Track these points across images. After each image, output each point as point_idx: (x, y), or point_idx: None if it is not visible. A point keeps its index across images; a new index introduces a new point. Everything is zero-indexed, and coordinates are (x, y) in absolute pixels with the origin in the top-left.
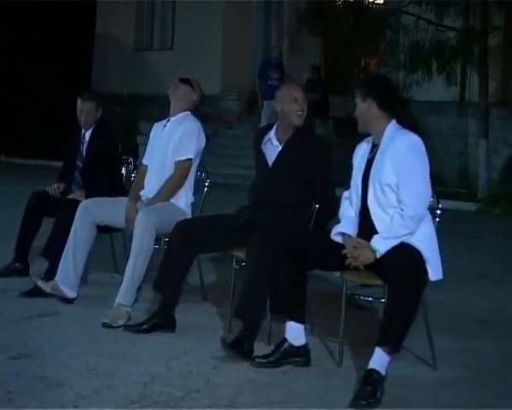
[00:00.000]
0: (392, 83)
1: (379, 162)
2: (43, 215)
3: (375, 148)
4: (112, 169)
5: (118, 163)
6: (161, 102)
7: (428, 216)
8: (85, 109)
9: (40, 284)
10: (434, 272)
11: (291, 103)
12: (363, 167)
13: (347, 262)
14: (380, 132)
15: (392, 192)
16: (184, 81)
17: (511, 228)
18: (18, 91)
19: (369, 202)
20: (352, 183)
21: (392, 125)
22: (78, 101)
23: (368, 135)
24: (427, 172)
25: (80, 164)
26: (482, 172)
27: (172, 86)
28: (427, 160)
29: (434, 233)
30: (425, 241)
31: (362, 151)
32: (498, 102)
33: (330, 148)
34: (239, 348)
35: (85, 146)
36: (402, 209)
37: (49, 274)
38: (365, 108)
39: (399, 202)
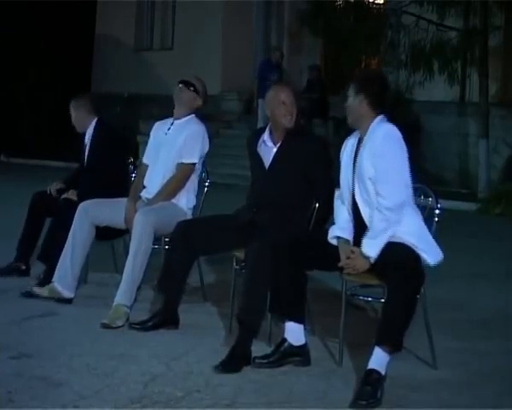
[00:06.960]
0: (387, 81)
1: (360, 156)
2: (45, 215)
3: (360, 143)
4: (104, 169)
5: (113, 164)
6: (161, 102)
7: (413, 206)
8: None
9: (36, 290)
10: (433, 256)
11: (278, 107)
12: (352, 163)
13: (345, 272)
14: (366, 128)
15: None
16: (189, 85)
17: (511, 228)
18: (18, 91)
19: (356, 198)
20: (343, 180)
21: (378, 120)
22: None
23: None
24: (404, 161)
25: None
26: (482, 172)
27: (177, 88)
28: (403, 148)
29: (422, 222)
30: (415, 233)
31: (349, 146)
32: (498, 102)
33: (329, 147)
34: (230, 365)
35: (87, 146)
36: (379, 202)
37: (48, 276)
38: (356, 104)
39: (377, 194)
